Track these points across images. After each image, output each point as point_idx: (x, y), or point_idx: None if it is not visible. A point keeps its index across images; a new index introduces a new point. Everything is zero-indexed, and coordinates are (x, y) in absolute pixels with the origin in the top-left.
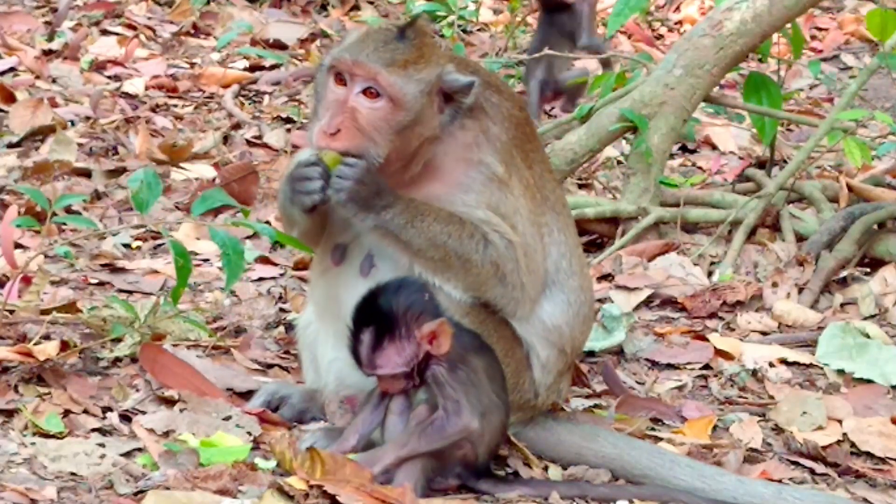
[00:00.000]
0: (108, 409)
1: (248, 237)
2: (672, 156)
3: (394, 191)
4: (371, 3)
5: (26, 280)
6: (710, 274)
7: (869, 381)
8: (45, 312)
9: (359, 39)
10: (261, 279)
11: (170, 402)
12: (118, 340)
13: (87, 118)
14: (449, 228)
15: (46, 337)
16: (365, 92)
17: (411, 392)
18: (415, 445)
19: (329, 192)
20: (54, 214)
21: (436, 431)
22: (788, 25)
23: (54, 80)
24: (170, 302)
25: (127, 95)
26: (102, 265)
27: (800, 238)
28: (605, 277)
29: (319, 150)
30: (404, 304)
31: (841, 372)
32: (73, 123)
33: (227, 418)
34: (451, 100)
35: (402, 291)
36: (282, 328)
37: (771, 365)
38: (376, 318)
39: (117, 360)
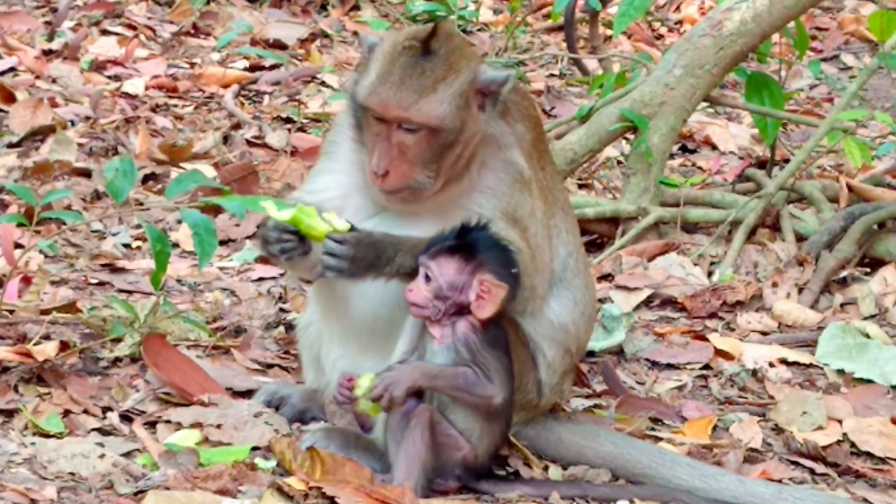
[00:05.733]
0: (108, 409)
1: (248, 237)
2: (672, 156)
3: (392, 238)
4: (371, 2)
5: (26, 280)
6: (710, 274)
7: (869, 381)
8: (45, 312)
9: (383, 73)
10: (261, 279)
11: (166, 402)
12: (118, 340)
13: (87, 118)
14: None
15: (46, 337)
16: (401, 126)
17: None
18: (426, 414)
19: (320, 271)
20: (49, 208)
21: (464, 380)
22: (790, 25)
23: (54, 80)
24: (170, 302)
25: (127, 95)
26: (102, 265)
27: (800, 238)
28: (605, 277)
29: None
30: (496, 253)
31: (841, 372)
32: (73, 123)
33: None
34: (487, 95)
35: (504, 249)
36: (282, 328)
37: (771, 365)
38: (471, 240)
39: (117, 360)
